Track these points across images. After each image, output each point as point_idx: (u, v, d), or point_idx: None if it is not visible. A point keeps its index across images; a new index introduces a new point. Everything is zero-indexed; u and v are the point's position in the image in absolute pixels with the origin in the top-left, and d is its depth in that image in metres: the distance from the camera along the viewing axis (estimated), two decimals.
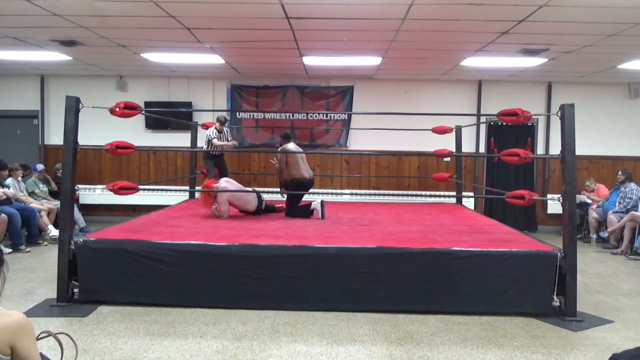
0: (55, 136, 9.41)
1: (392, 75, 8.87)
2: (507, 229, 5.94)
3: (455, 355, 3.61)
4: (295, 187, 6.53)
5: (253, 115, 9.49)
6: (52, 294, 4.62)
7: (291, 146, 6.74)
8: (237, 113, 9.43)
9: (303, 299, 4.46)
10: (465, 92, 9.36)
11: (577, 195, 5.34)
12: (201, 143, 8.65)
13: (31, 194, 8.09)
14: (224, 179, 6.84)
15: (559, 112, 4.45)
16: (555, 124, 8.40)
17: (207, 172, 8.02)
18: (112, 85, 9.39)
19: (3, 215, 6.78)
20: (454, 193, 8.81)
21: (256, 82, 9.34)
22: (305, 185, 6.63)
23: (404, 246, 4.63)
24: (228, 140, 8.06)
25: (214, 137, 7.81)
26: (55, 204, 7.91)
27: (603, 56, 6.92)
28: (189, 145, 8.45)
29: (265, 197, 7.34)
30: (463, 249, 4.55)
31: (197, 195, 7.68)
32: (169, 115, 8.69)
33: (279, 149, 6.75)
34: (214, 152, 7.95)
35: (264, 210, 6.71)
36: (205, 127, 7.92)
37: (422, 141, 8.46)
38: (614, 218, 7.82)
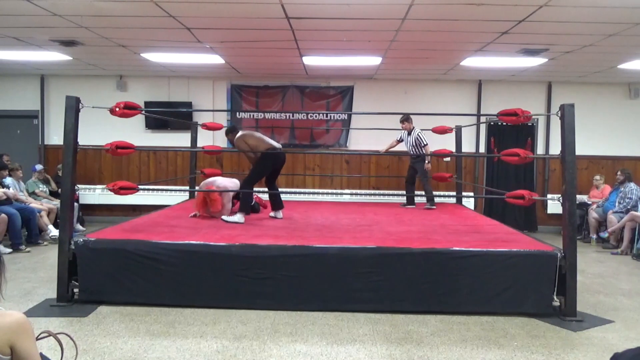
0: (55, 136, 9.41)
1: (392, 75, 8.87)
2: (507, 229, 5.94)
3: (455, 355, 3.61)
4: (268, 156, 5.89)
5: (253, 115, 9.49)
6: (52, 294, 4.62)
7: (246, 131, 6.23)
8: (237, 113, 9.43)
9: (303, 299, 4.46)
10: (465, 92, 9.36)
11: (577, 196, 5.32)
12: (202, 143, 8.62)
13: (31, 194, 8.08)
14: (221, 178, 6.65)
15: (559, 112, 4.45)
16: (555, 124, 8.39)
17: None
18: (112, 85, 9.39)
19: (3, 215, 6.77)
20: (454, 193, 8.81)
21: (256, 82, 9.34)
22: (277, 154, 6.04)
23: (404, 246, 4.63)
24: (416, 147, 7.79)
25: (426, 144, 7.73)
26: (55, 203, 7.91)
27: (603, 56, 6.92)
28: (189, 145, 8.44)
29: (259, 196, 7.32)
30: (463, 249, 4.55)
31: (196, 195, 7.55)
32: (169, 115, 8.68)
33: (236, 139, 5.97)
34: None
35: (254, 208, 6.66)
36: (206, 127, 7.58)
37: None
38: (614, 218, 7.82)
